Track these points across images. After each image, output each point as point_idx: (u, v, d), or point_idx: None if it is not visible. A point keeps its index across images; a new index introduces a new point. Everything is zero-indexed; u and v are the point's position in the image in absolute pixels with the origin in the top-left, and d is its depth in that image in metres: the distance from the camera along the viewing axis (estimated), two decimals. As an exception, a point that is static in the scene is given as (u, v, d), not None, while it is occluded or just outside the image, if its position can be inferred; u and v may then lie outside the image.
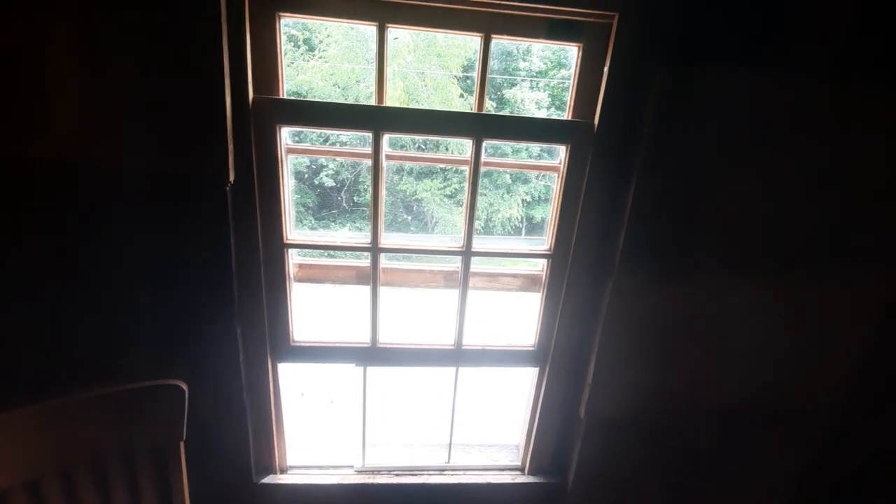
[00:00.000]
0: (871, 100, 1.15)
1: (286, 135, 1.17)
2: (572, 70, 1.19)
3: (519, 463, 1.63)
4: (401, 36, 9.34)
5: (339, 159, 10.74)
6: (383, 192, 1.24)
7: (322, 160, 10.68)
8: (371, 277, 1.30)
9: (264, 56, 1.09)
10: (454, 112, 1.17)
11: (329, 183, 10.95)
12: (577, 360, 1.43)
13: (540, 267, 1.39)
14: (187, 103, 1.01)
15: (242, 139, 1.10)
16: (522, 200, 11.41)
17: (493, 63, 10.50)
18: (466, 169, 1.23)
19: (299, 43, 10.29)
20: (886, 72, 1.13)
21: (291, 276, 1.30)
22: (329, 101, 1.13)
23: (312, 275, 1.36)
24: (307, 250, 1.31)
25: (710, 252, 1.26)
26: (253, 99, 1.09)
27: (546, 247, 1.33)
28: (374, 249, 1.27)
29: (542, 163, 1.30)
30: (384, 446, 1.63)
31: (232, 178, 1.10)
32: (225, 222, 1.11)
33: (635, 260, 1.24)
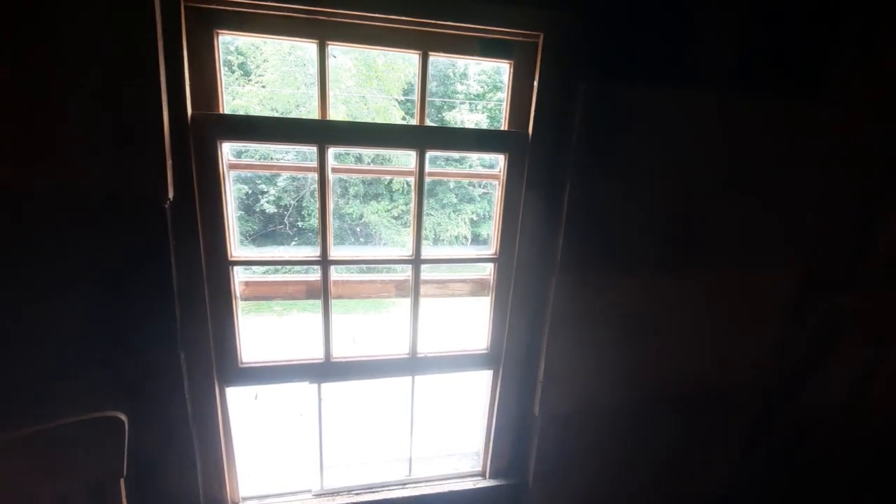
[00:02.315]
0: (770, 107, 1.32)
1: (227, 151, 1.16)
2: (506, 85, 1.28)
3: (480, 468, 1.65)
4: (340, 60, 9.38)
5: (281, 184, 10.49)
6: (331, 205, 1.25)
7: (262, 186, 10.39)
8: (322, 291, 1.30)
9: (203, 72, 1.08)
10: (398, 125, 1.22)
11: (270, 209, 10.64)
12: (529, 359, 1.49)
13: (488, 271, 1.45)
14: (123, 120, 0.98)
15: (182, 155, 1.08)
16: (469, 219, 11.65)
17: (432, 86, 10.77)
18: (412, 182, 1.27)
19: (234, 67, 10.06)
20: (782, 83, 1.32)
21: (237, 294, 1.27)
22: (271, 115, 1.13)
23: (260, 292, 1.33)
24: (254, 268, 1.29)
25: (640, 249, 1.37)
26: (192, 115, 1.08)
27: (492, 251, 1.39)
28: (324, 262, 1.27)
29: (484, 171, 1.37)
30: (343, 467, 1.59)
31: (171, 194, 1.07)
32: (164, 240, 1.08)
33: (575, 259, 1.33)
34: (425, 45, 1.19)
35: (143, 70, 0.97)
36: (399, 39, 1.17)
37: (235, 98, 9.92)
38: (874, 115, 1.46)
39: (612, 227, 1.32)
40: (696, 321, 1.50)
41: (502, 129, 1.29)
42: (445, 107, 10.88)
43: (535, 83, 1.23)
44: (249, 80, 10.02)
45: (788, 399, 1.76)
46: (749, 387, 1.65)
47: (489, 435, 1.59)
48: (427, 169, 1.26)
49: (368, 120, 9.93)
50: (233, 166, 1.19)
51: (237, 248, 1.24)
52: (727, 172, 1.36)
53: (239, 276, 1.28)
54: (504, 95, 1.29)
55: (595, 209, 1.29)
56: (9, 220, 0.98)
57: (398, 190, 11.22)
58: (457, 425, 4.81)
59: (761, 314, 1.55)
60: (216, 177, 1.13)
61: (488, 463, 1.61)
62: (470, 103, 10.91)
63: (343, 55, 9.26)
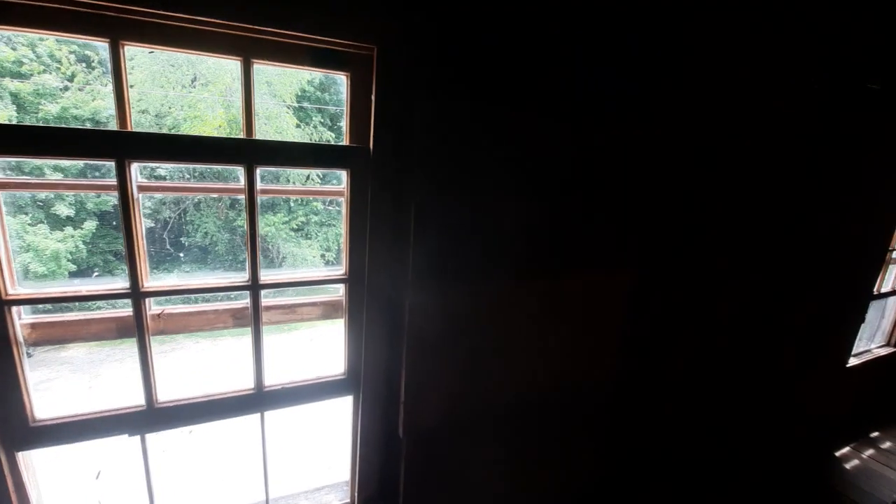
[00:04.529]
0: (602, 128, 1.42)
1: (-11, 166, 0.95)
2: (345, 97, 1.22)
3: (348, 500, 1.55)
4: (221, 62, 8.69)
5: (157, 196, 9.41)
6: (140, 228, 1.09)
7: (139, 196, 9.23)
8: (136, 328, 1.12)
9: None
10: (218, 137, 1.09)
11: (148, 224, 9.51)
12: (389, 380, 1.44)
13: (341, 292, 1.37)
14: None
15: (-88, 173, 0.85)
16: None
17: (326, 95, 10.46)
18: (244, 200, 1.15)
19: (94, 64, 8.86)
20: (610, 104, 1.42)
21: (20, 339, 1.05)
22: (46, 125, 0.95)
23: (55, 334, 1.11)
24: (49, 304, 1.07)
25: (491, 260, 1.39)
26: (-74, 122, 0.86)
27: (342, 271, 1.32)
28: (136, 294, 1.10)
29: (326, 188, 1.30)
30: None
31: None
32: None
33: (427, 274, 1.30)
34: (248, 51, 1.09)
35: None
36: (214, 43, 1.06)
37: (97, 98, 8.75)
38: (687, 135, 1.65)
39: (461, 241, 1.32)
40: (547, 325, 1.57)
41: (343, 143, 1.23)
42: (343, 115, 10.61)
43: (373, 97, 1.19)
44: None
45: (636, 389, 1.92)
46: (598, 386, 1.77)
47: (355, 462, 1.50)
48: (259, 186, 1.16)
49: (257, 126, 9.33)
50: (3, 185, 0.98)
51: (16, 283, 1.02)
52: (566, 184, 1.43)
53: (23, 317, 1.06)
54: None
55: (443, 224, 1.28)
56: None
57: (297, 200, 10.70)
58: (325, 455, 4.53)
59: (607, 315, 1.67)
60: (-29, 199, 0.92)
61: (356, 493, 1.53)
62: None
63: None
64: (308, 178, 10.01)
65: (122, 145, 1.00)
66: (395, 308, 1.36)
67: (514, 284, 1.46)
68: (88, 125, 8.25)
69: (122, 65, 0.99)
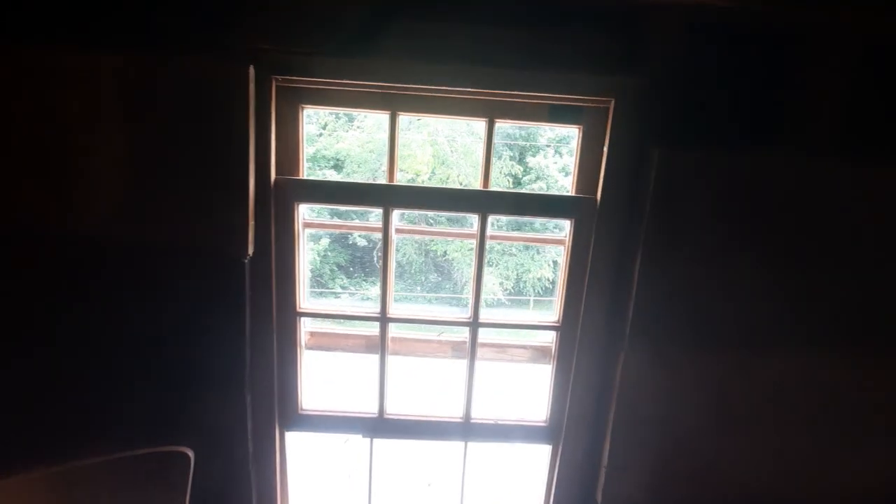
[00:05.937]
0: (866, 171, 1.14)
1: (303, 211, 1.25)
2: (574, 149, 1.24)
3: (534, 552, 1.51)
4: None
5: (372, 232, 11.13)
6: (393, 263, 1.29)
7: (357, 220, 11.12)
8: (380, 347, 1.32)
9: (287, 142, 1.20)
10: (461, 189, 1.24)
11: (361, 243, 11.33)
12: (592, 438, 1.36)
13: (550, 338, 1.37)
14: (216, 186, 1.11)
15: (263, 216, 1.19)
16: (553, 262, 11.36)
17: (514, 130, 10.83)
18: (474, 244, 1.27)
19: (340, 115, 11.15)
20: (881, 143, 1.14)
21: (302, 343, 1.34)
22: (343, 180, 1.22)
23: (323, 343, 1.39)
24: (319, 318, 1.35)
25: (725, 327, 1.21)
26: (275, 180, 1.19)
27: (555, 319, 1.32)
28: (383, 319, 1.30)
29: (549, 236, 1.33)
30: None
31: (251, 251, 1.18)
32: (242, 292, 1.18)
33: (646, 332, 1.21)
34: (492, 112, 1.20)
35: (237, 142, 1.10)
36: (466, 108, 1.20)
37: (339, 142, 10.91)
38: None
39: (688, 301, 1.19)
40: (797, 418, 1.27)
41: (569, 193, 1.25)
42: (531, 150, 10.90)
43: (606, 148, 1.18)
44: (353, 126, 11.03)
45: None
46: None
47: (546, 516, 1.46)
48: (489, 232, 1.26)
49: (454, 160, 10.31)
50: (307, 225, 1.28)
51: (306, 299, 1.31)
52: (824, 244, 1.17)
53: (305, 326, 1.35)
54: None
55: (669, 281, 1.18)
56: (100, 268, 1.15)
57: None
58: (515, 493, 4.44)
59: (891, 419, 1.27)
60: (292, 235, 1.23)
61: (544, 547, 1.47)
62: (555, 147, 10.82)
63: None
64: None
65: (389, 196, 1.22)
66: (607, 364, 1.30)
67: (751, 356, 1.24)
68: (331, 163, 10.35)
69: (396, 130, 1.21)
